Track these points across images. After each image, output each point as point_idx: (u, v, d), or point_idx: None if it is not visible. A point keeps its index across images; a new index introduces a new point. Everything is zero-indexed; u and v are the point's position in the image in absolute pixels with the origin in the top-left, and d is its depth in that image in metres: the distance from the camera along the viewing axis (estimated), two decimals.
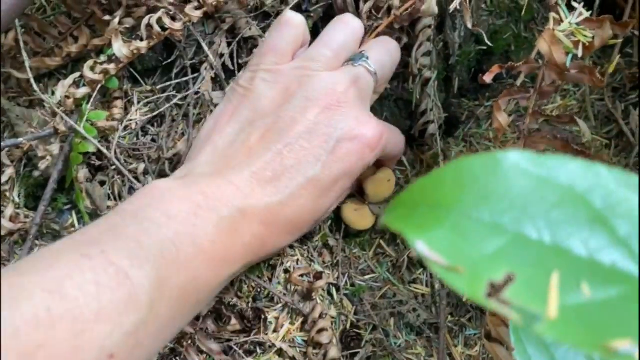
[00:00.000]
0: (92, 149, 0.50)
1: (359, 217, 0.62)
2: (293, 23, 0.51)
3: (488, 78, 0.41)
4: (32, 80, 0.50)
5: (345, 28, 0.51)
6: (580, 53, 0.41)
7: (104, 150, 0.51)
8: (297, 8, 0.61)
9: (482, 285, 0.16)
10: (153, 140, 0.61)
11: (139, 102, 0.60)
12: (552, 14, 0.41)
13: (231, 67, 0.59)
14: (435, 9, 0.43)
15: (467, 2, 0.42)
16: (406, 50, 0.63)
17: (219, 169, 0.44)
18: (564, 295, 0.16)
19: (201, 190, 0.40)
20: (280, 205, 0.44)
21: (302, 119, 0.45)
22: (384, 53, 0.53)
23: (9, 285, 0.28)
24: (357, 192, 0.62)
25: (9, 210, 0.50)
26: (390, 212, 0.20)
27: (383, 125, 0.50)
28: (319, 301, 0.58)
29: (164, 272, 0.33)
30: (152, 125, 0.62)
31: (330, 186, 0.47)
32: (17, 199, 0.56)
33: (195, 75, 0.60)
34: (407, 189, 0.21)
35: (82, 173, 0.49)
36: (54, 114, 0.50)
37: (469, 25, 0.43)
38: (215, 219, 0.39)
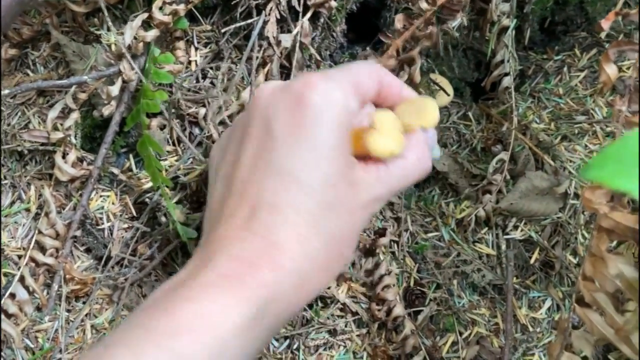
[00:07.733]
0: (165, 97, 0.46)
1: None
2: None
3: (606, 25, 0.37)
4: (106, 12, 0.46)
5: None
6: None
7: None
8: None
9: None
10: (212, 83, 0.58)
11: (198, 42, 0.57)
12: None
13: (297, 9, 0.55)
14: None
15: None
16: None
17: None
18: None
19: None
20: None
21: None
22: None
23: None
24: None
25: (71, 156, 0.47)
26: (599, 167, 0.17)
27: None
28: (382, 257, 0.56)
29: None
30: (211, 68, 0.58)
31: None
32: (73, 140, 0.54)
33: (257, 18, 0.56)
34: (613, 145, 0.18)
35: (155, 122, 0.46)
36: (119, 56, 0.46)
37: None
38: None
